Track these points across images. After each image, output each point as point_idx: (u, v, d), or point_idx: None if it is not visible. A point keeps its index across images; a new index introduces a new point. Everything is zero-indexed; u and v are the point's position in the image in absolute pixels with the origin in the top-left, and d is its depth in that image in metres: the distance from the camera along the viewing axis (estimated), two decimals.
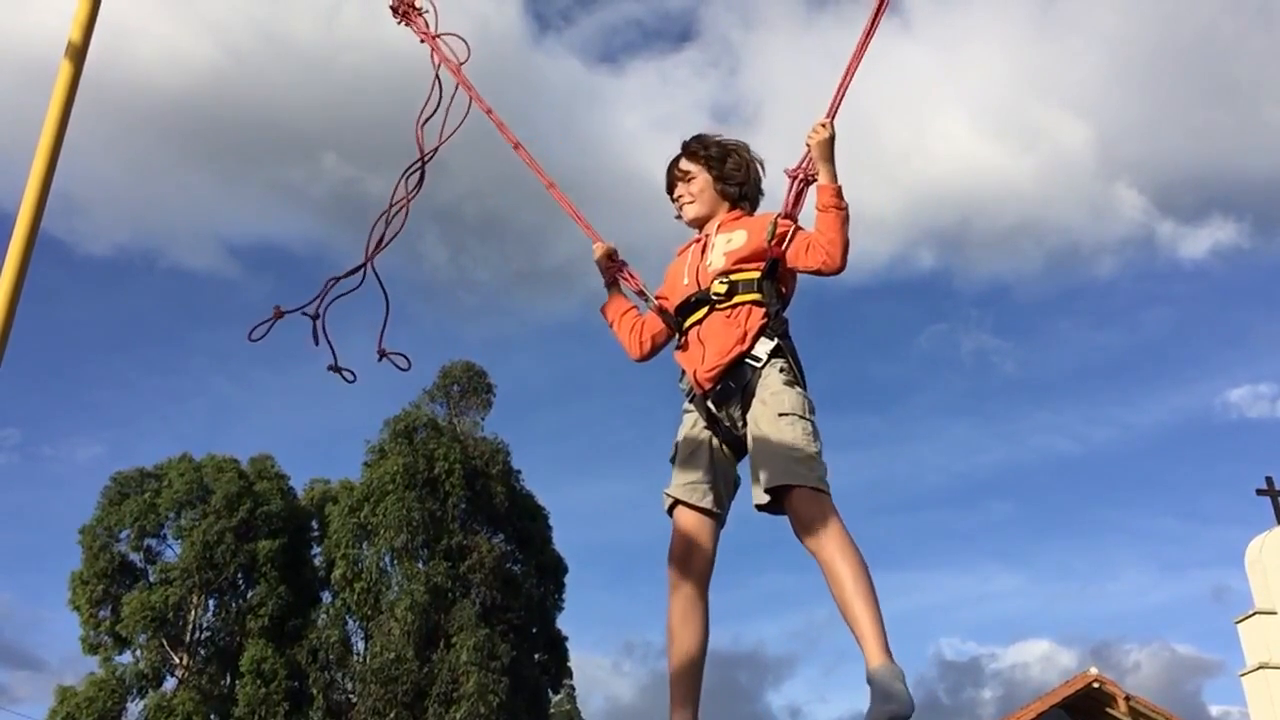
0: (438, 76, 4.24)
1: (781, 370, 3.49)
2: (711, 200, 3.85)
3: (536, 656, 28.88)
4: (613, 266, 4.02)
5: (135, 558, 28.59)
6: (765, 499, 3.34)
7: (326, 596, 28.76)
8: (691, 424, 3.62)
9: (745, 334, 3.52)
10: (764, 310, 3.56)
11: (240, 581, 28.43)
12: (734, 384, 3.51)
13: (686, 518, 3.51)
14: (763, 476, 3.35)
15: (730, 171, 3.85)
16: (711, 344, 3.55)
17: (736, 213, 3.82)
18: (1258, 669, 18.55)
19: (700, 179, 3.86)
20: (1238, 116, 57.83)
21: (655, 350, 3.90)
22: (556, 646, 29.72)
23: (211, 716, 26.32)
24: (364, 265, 3.98)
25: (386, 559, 27.92)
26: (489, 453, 29.54)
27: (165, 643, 27.31)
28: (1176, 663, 46.79)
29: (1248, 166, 60.61)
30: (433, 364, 31.34)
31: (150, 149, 50.99)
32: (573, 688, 30.53)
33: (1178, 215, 74.53)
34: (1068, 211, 57.94)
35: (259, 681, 26.20)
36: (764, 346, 3.51)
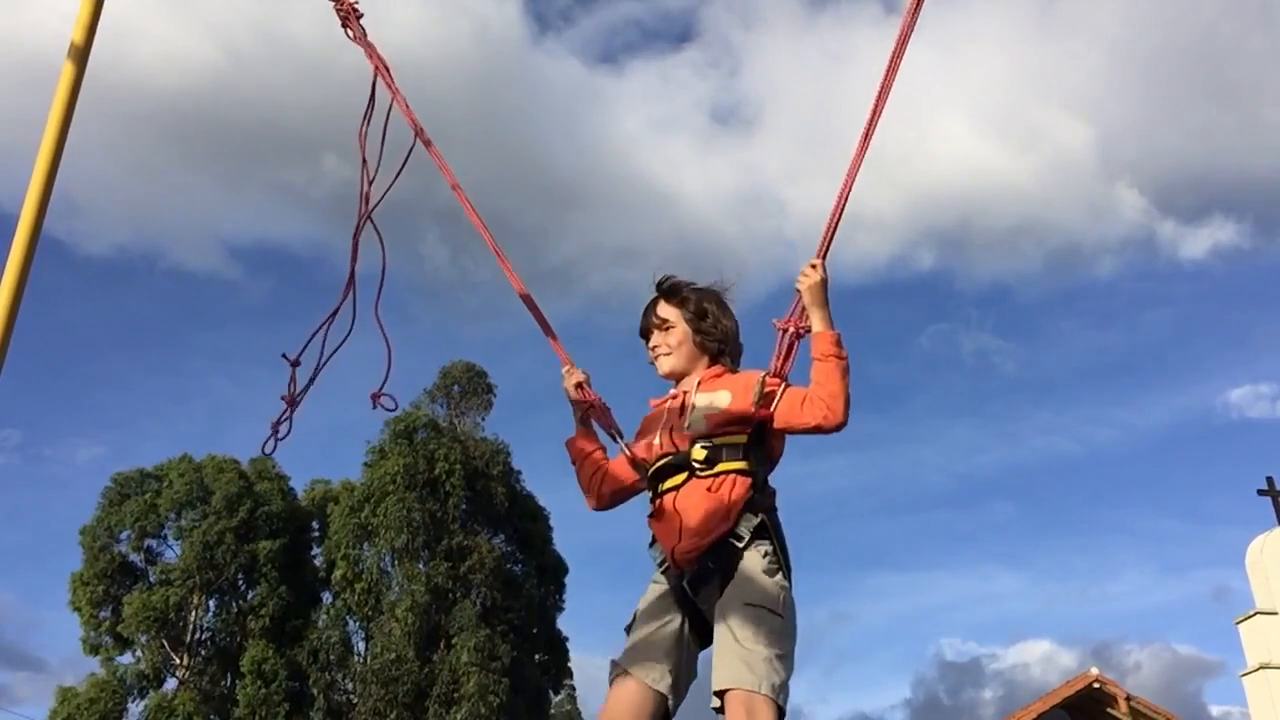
0: (373, 95, 3.97)
1: (765, 555, 3.15)
2: (690, 354, 3.48)
3: (537, 657, 28.90)
4: (583, 401, 3.61)
5: (136, 558, 28.61)
6: (716, 702, 3.01)
7: (327, 597, 28.77)
8: (658, 596, 3.28)
9: (729, 510, 3.17)
10: (749, 481, 3.22)
11: (241, 582, 28.45)
12: (713, 565, 3.15)
13: (632, 692, 3.13)
14: (715, 674, 3.02)
15: (708, 327, 3.48)
16: (691, 519, 3.18)
17: (718, 369, 3.47)
18: (1259, 669, 18.56)
19: (679, 330, 3.49)
20: (1238, 117, 57.91)
21: (615, 504, 3.55)
22: (557, 647, 29.73)
23: (212, 717, 26.35)
24: (336, 310, 3.86)
25: (387, 559, 27.94)
26: (489, 453, 29.55)
27: (166, 643, 27.33)
28: (1177, 663, 46.84)
29: (1248, 167, 60.69)
30: (433, 365, 31.37)
31: (151, 149, 51.05)
32: (573, 688, 30.58)
33: (1178, 215, 74.62)
34: (1068, 212, 58.00)
35: (259, 682, 26.21)
36: (748, 524, 3.17)
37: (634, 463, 3.43)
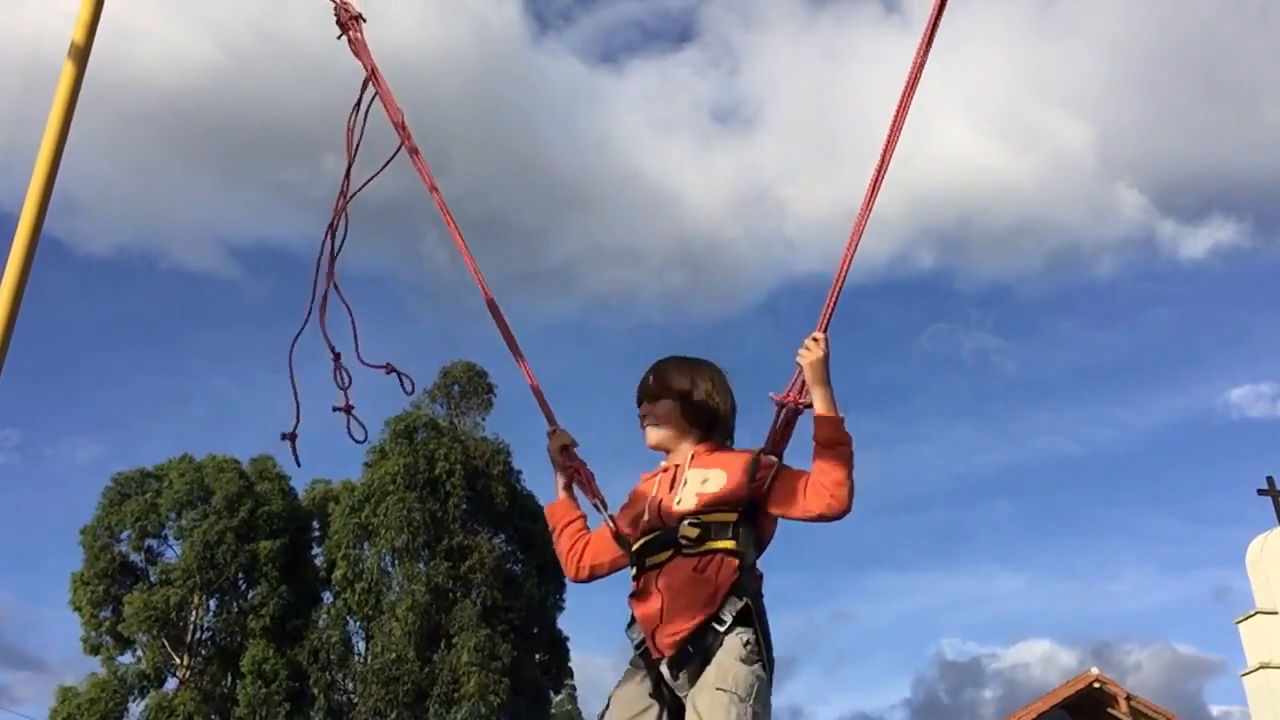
0: (361, 101, 4.05)
1: (746, 643, 3.06)
2: (678, 428, 3.36)
3: (537, 657, 28.90)
4: (569, 465, 3.55)
5: (136, 558, 28.62)
6: None
7: (327, 597, 28.78)
8: (634, 682, 3.21)
9: (715, 593, 3.08)
10: (737, 562, 3.11)
11: (241, 582, 28.45)
12: (693, 649, 3.07)
13: None
14: None
15: (699, 402, 3.35)
16: (676, 601, 3.10)
17: (709, 445, 3.35)
18: (1259, 669, 18.56)
19: (665, 404, 3.37)
20: (1238, 116, 57.91)
21: (594, 578, 3.47)
22: (557, 647, 29.74)
23: (213, 717, 26.35)
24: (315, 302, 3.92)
25: (387, 559, 27.95)
26: (490, 453, 29.55)
27: (166, 643, 27.34)
28: (1178, 663, 46.82)
29: (1248, 166, 60.67)
30: (434, 365, 31.36)
31: (151, 149, 51.04)
32: (574, 688, 30.56)
33: (1178, 215, 74.58)
34: (1068, 212, 57.97)
35: (260, 682, 26.23)
36: (731, 608, 3.08)
37: (617, 537, 3.33)
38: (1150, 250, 59.09)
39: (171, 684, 27.36)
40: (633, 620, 3.23)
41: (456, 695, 25.74)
